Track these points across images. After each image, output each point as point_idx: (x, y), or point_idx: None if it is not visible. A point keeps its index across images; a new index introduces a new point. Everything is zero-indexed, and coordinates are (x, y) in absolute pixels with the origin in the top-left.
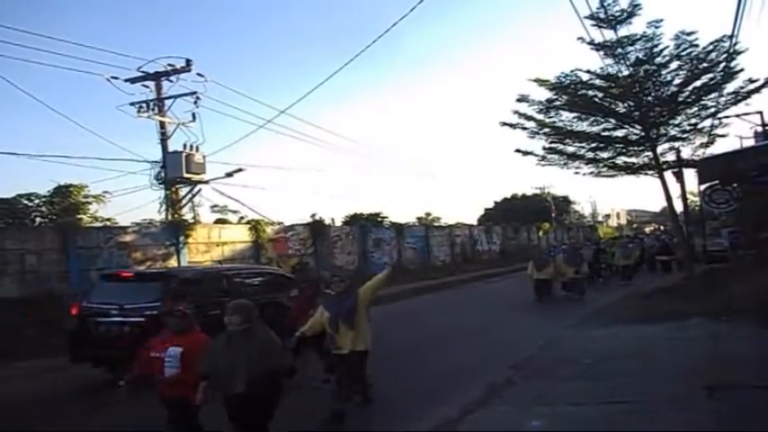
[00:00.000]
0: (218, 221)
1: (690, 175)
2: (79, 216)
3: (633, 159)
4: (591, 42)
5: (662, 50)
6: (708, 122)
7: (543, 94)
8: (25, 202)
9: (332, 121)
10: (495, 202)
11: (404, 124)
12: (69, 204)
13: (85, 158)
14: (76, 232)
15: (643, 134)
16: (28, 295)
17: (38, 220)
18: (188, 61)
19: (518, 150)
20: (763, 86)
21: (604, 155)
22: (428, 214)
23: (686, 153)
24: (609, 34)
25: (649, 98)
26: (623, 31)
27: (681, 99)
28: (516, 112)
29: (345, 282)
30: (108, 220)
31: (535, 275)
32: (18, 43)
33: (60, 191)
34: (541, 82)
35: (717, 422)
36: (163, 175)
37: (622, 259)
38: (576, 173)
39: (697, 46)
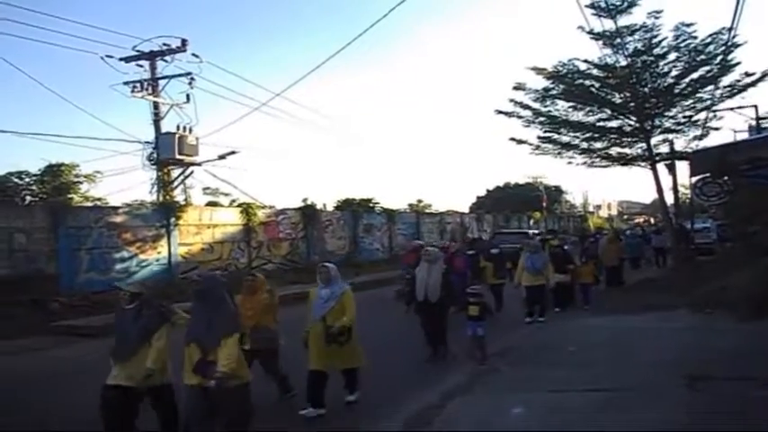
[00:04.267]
0: (210, 204)
1: (682, 167)
2: (70, 195)
3: (627, 150)
4: (590, 32)
5: (660, 41)
6: (702, 115)
7: (540, 83)
8: (15, 180)
9: (324, 104)
10: (488, 191)
11: (398, 109)
12: (60, 183)
13: (77, 137)
14: (67, 212)
15: (638, 125)
16: (16, 274)
17: (28, 198)
18: (184, 41)
19: (512, 139)
20: (759, 80)
21: (598, 145)
22: (419, 201)
23: (679, 145)
24: (609, 24)
25: (645, 89)
26: (623, 20)
27: (677, 91)
28: (512, 101)
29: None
30: (99, 199)
31: (526, 281)
32: (11, 19)
33: (51, 170)
34: (539, 70)
35: (694, 411)
36: (155, 155)
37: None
38: (570, 162)
39: (696, 38)
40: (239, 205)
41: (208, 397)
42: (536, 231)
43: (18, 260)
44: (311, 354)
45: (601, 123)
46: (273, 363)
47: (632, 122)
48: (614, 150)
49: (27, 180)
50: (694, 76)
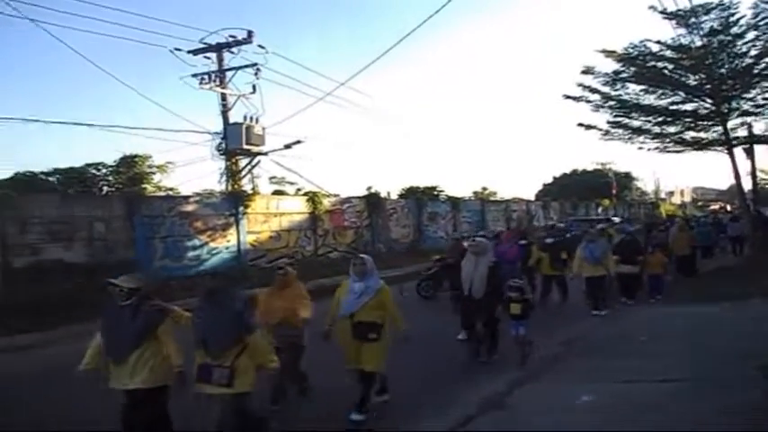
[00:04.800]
0: (276, 193)
1: (761, 151)
2: (144, 185)
3: (702, 134)
4: (663, 11)
5: (738, 20)
6: None
7: (609, 66)
8: (93, 171)
9: (388, 93)
10: (554, 178)
11: (463, 96)
12: (134, 174)
13: (150, 129)
14: (141, 201)
15: (714, 108)
16: (96, 261)
17: (105, 188)
18: (249, 33)
19: (580, 124)
20: None
21: (671, 129)
22: (484, 189)
23: (759, 128)
24: (682, 3)
25: (722, 70)
26: None
27: (756, 71)
28: (580, 85)
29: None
30: (171, 189)
31: (586, 272)
32: (83, 15)
33: (126, 161)
34: (608, 53)
35: None
36: (223, 146)
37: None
38: (641, 148)
39: None
40: (305, 194)
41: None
42: (619, 219)
43: (97, 248)
44: (346, 354)
45: (674, 107)
46: (296, 362)
47: (708, 105)
48: (689, 135)
49: (104, 171)
50: None
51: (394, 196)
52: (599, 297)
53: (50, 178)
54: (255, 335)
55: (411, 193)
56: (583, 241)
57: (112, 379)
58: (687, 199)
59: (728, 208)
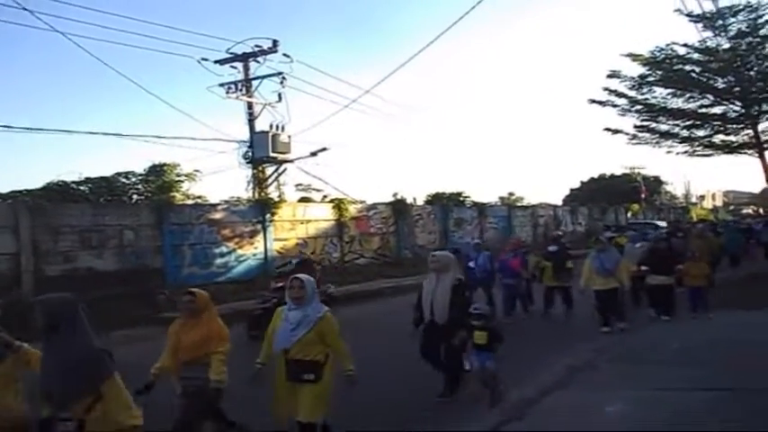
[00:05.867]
0: (303, 200)
1: None
2: (172, 194)
3: (731, 138)
4: (689, 14)
5: (767, 21)
6: None
7: (636, 70)
8: (123, 180)
9: (413, 99)
10: (582, 182)
11: (489, 102)
12: (163, 182)
13: (178, 138)
14: (170, 209)
15: (743, 111)
16: (125, 269)
17: (135, 197)
18: (275, 42)
19: (607, 129)
20: None
21: (700, 133)
22: (511, 194)
23: None
24: (708, 5)
25: (751, 73)
26: (724, 1)
27: None
28: (606, 89)
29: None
30: (199, 197)
31: (596, 284)
32: (113, 27)
33: (155, 169)
34: (635, 57)
35: None
36: (250, 154)
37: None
38: (669, 152)
39: None
40: (331, 201)
41: None
42: (664, 224)
43: (127, 256)
44: (275, 399)
45: (702, 110)
46: (208, 410)
47: (737, 108)
48: (718, 138)
49: (133, 180)
50: None
51: (420, 202)
52: (613, 311)
53: (81, 187)
54: (112, 381)
55: (437, 199)
56: (593, 251)
57: None
58: (718, 203)
59: (761, 211)
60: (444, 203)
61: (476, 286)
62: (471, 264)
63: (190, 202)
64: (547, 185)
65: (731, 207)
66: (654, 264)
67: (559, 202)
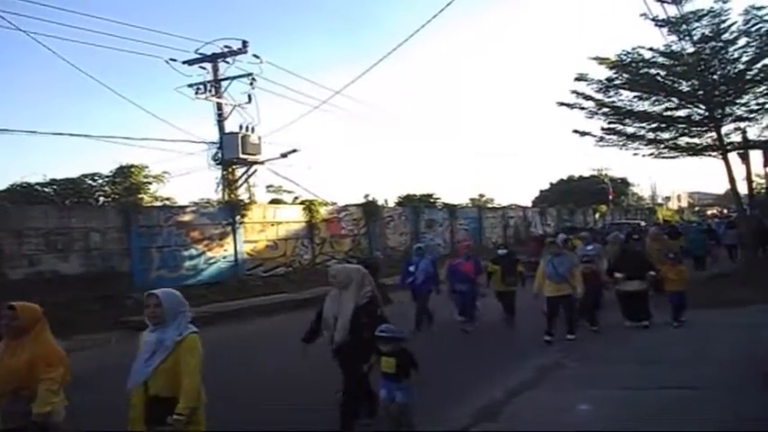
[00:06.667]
0: (273, 201)
1: (756, 156)
2: (140, 195)
3: (696, 140)
4: (654, 19)
5: (729, 26)
6: None
7: (603, 73)
8: (89, 182)
9: (383, 99)
10: (551, 184)
11: (458, 103)
12: (131, 184)
13: (146, 140)
14: (138, 211)
15: (707, 114)
16: (91, 272)
17: (101, 199)
18: (244, 43)
19: (575, 131)
20: None
21: (665, 135)
22: (481, 195)
23: (753, 134)
24: (673, 10)
25: (715, 76)
26: (689, 6)
27: (749, 77)
28: (574, 92)
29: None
30: (167, 199)
31: (548, 290)
32: (81, 27)
33: (122, 171)
34: (601, 60)
35: None
36: (220, 155)
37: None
38: (635, 154)
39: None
40: (302, 202)
41: None
42: (644, 224)
43: (93, 259)
44: None
45: (668, 113)
46: None
47: (701, 111)
48: (683, 140)
49: (100, 181)
50: (767, 61)
51: (391, 204)
52: (570, 319)
53: (47, 189)
54: None
55: (408, 201)
56: (546, 255)
57: None
58: (684, 204)
59: (725, 212)
60: (415, 205)
61: (416, 293)
62: (411, 268)
63: (158, 204)
64: (517, 187)
65: (696, 208)
66: (626, 268)
67: (529, 204)
